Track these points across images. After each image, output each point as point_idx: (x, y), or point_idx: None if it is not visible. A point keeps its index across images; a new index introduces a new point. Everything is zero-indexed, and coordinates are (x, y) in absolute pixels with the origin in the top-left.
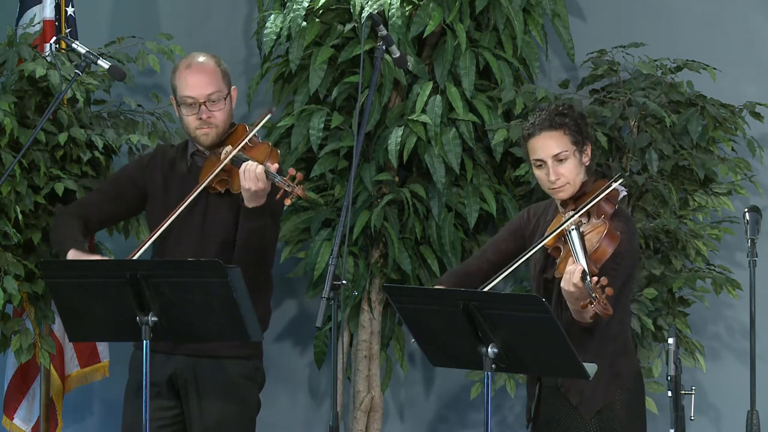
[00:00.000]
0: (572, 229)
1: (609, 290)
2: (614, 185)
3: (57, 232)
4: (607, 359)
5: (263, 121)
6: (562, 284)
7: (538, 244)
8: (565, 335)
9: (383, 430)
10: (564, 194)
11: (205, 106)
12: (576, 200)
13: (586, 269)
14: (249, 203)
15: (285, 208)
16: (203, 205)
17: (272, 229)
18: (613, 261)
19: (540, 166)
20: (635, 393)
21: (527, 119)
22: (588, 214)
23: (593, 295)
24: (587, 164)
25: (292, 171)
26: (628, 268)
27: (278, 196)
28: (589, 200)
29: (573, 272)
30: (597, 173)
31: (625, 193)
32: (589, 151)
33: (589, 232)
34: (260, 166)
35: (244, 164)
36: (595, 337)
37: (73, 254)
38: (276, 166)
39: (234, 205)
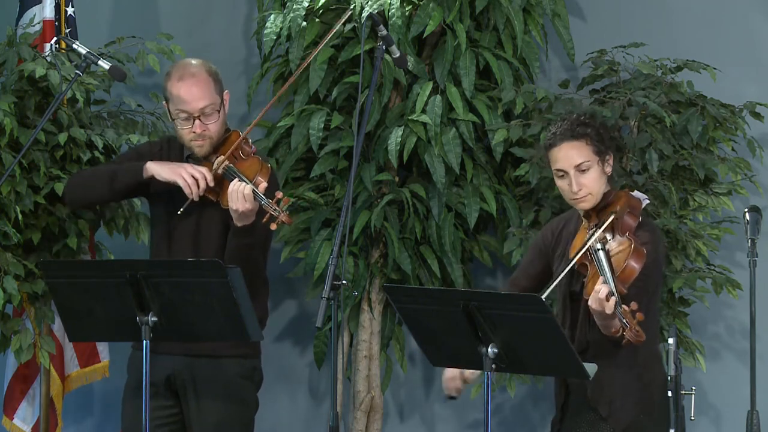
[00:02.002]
0: (598, 249)
1: (640, 315)
2: (636, 194)
3: (97, 174)
4: (636, 370)
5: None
6: (589, 303)
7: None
8: (565, 335)
9: (383, 430)
10: (586, 204)
11: (199, 119)
12: (599, 212)
13: (614, 290)
14: (237, 222)
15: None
16: (197, 211)
17: (262, 243)
18: (642, 274)
19: (562, 176)
20: (663, 406)
21: (529, 120)
22: (612, 229)
23: (624, 321)
24: (609, 174)
25: (279, 194)
26: (655, 277)
27: (264, 219)
28: (608, 217)
29: (600, 292)
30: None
31: (648, 201)
32: (611, 161)
33: (616, 250)
34: (248, 187)
35: (232, 184)
36: (623, 348)
37: (154, 165)
38: (265, 184)
39: (226, 211)
